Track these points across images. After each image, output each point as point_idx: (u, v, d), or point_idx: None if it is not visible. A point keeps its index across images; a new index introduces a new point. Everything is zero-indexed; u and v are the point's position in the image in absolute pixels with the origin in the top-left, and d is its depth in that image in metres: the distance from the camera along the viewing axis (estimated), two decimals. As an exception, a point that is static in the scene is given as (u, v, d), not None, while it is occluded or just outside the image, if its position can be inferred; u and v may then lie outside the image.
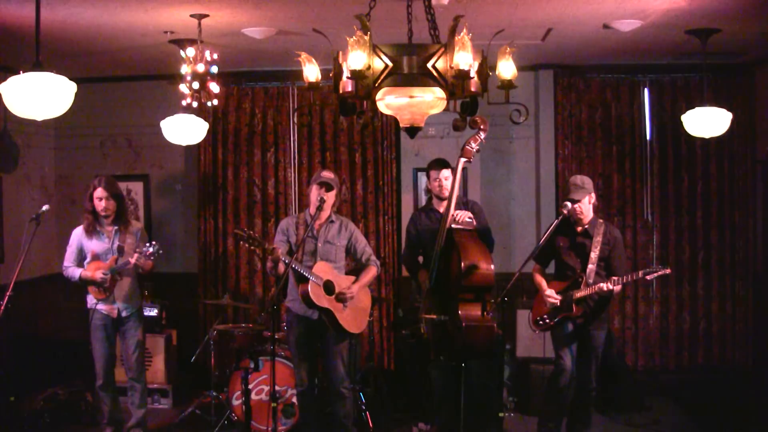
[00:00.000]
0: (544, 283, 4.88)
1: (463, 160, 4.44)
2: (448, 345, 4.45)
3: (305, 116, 6.59)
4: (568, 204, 4.56)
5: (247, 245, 4.60)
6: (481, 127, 4.25)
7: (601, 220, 4.85)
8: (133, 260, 4.90)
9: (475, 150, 4.41)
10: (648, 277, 4.61)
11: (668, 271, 4.65)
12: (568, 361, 4.77)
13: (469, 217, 4.62)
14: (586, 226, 4.78)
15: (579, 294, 4.66)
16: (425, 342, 4.72)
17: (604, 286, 4.57)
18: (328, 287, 4.70)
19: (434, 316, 4.46)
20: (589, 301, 4.72)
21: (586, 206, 4.73)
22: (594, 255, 4.69)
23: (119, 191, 5.12)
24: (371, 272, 4.92)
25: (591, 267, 4.69)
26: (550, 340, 4.95)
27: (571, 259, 4.81)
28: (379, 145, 6.64)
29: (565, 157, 6.57)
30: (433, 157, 5.75)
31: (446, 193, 4.91)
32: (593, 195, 4.78)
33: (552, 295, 4.75)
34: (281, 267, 4.65)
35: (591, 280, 4.67)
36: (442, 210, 4.96)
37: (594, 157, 6.61)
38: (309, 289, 4.59)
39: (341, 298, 4.71)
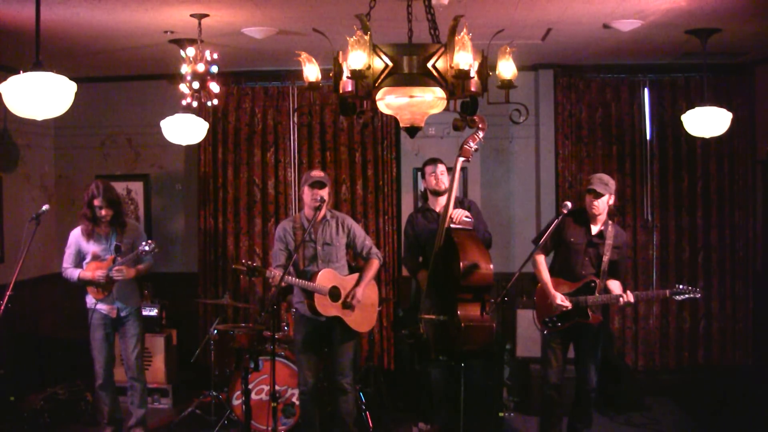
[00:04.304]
0: (551, 285, 4.68)
1: (461, 159, 4.45)
2: (447, 345, 4.44)
3: (305, 116, 6.59)
4: (569, 204, 4.51)
5: (248, 278, 4.67)
6: (480, 126, 4.25)
7: (611, 222, 4.77)
8: (115, 271, 4.91)
9: (473, 149, 4.42)
10: (677, 298, 4.55)
11: (699, 295, 4.52)
12: (555, 362, 4.73)
13: (467, 216, 4.61)
14: (601, 228, 4.68)
15: (593, 301, 4.56)
16: (424, 342, 4.72)
17: (623, 298, 4.47)
18: (334, 293, 4.70)
19: (433, 316, 4.46)
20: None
21: (603, 204, 4.61)
22: (606, 258, 4.62)
23: (116, 197, 5.13)
24: (374, 266, 4.89)
25: (604, 272, 4.61)
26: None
27: (582, 259, 4.68)
28: (379, 145, 6.64)
29: (565, 157, 6.57)
30: (433, 157, 5.69)
31: (443, 187, 4.93)
32: (613, 197, 4.69)
33: (564, 303, 4.57)
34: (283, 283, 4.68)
35: (603, 285, 4.62)
36: (438, 209, 4.96)
37: (594, 157, 6.61)
38: (315, 302, 4.61)
39: (348, 305, 4.72)
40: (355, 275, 4.88)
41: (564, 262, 4.78)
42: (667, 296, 4.55)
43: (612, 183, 4.68)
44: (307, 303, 4.67)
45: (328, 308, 4.66)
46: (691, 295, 4.51)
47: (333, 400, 4.97)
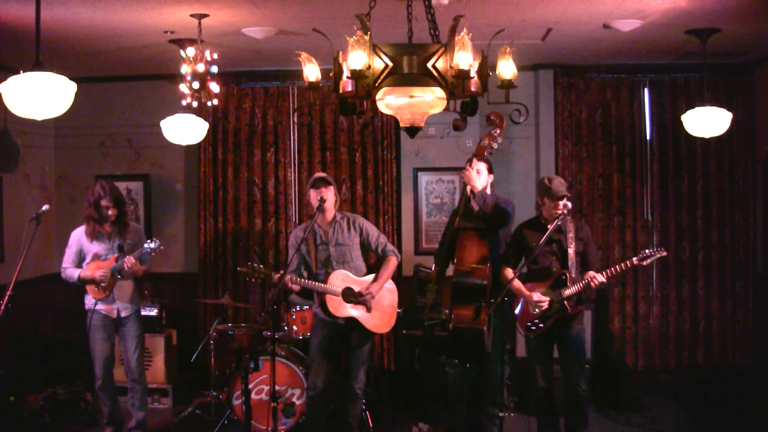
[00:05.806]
0: (524, 288, 4.70)
1: (476, 158, 4.34)
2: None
3: (305, 116, 6.59)
4: (569, 204, 4.53)
5: (253, 280, 4.68)
6: (496, 122, 4.08)
7: (569, 217, 4.75)
8: (129, 264, 4.89)
9: (488, 147, 4.24)
10: (644, 263, 4.57)
11: (664, 253, 4.58)
12: (539, 365, 4.73)
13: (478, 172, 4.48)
14: (559, 223, 4.67)
15: (568, 292, 4.56)
16: (431, 341, 4.69)
17: (597, 278, 4.49)
18: (348, 294, 4.69)
19: (431, 315, 4.45)
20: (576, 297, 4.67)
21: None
22: (572, 251, 4.64)
23: (121, 196, 5.15)
24: (390, 265, 4.85)
25: (572, 263, 4.63)
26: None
27: (549, 258, 4.69)
28: (379, 145, 6.64)
29: (565, 157, 6.57)
30: (433, 157, 5.63)
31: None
32: None
33: (541, 300, 4.60)
34: (295, 288, 4.67)
35: (574, 275, 4.62)
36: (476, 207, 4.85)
37: (594, 157, 6.61)
38: (327, 303, 4.60)
39: (361, 302, 4.70)
40: (372, 276, 4.85)
41: (534, 268, 4.77)
42: (635, 264, 4.57)
43: None
44: (320, 305, 4.67)
45: (341, 309, 4.65)
46: (657, 255, 4.56)
47: (341, 404, 4.98)
